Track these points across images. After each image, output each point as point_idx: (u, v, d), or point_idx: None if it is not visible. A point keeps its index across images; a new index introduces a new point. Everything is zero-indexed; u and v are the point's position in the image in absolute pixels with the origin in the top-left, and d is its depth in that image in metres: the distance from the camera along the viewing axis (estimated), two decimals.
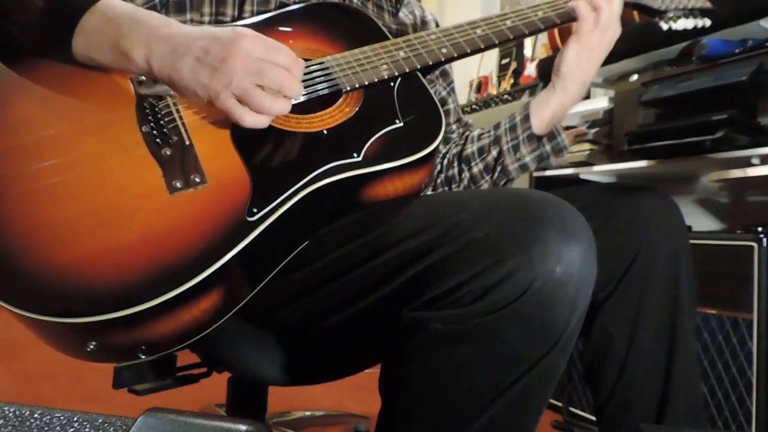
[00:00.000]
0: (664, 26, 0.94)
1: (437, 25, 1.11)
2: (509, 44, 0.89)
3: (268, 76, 0.66)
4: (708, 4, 0.95)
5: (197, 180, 0.67)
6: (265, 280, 0.69)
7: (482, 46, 0.84)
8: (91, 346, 0.61)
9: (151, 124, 0.70)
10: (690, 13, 0.95)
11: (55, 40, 0.71)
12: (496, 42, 0.85)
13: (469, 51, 0.84)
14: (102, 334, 0.61)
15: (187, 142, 0.69)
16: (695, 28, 0.95)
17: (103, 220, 0.63)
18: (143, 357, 0.66)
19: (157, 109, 0.72)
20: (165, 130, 0.70)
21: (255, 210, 0.66)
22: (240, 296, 0.68)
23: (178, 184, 0.66)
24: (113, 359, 0.73)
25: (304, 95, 0.77)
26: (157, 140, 0.69)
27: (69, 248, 0.60)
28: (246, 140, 0.71)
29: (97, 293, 0.59)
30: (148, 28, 0.68)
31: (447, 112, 1.09)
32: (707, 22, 0.95)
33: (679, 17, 0.94)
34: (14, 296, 0.58)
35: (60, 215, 0.62)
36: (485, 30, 0.85)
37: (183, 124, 0.71)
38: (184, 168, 0.67)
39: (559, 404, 1.67)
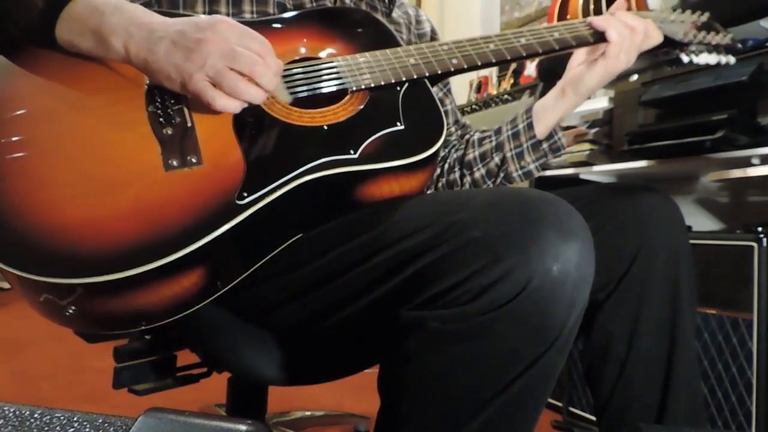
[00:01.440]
0: (685, 59, 0.93)
1: (431, 25, 1.12)
2: (520, 61, 0.89)
3: (241, 59, 0.67)
4: (734, 42, 0.94)
5: (193, 161, 0.68)
6: (256, 266, 0.70)
7: (493, 61, 0.85)
8: (70, 311, 0.63)
9: (157, 104, 0.72)
10: (714, 49, 0.94)
11: (40, 25, 0.71)
12: (508, 58, 0.86)
13: (479, 64, 0.84)
14: (82, 298, 0.62)
15: (189, 124, 0.71)
16: (718, 64, 0.93)
17: (97, 189, 0.65)
18: (143, 326, 0.68)
19: (165, 91, 0.73)
20: (169, 111, 0.71)
21: (245, 194, 0.67)
22: (228, 277, 0.69)
23: (174, 163, 0.67)
24: (92, 328, 0.75)
25: (309, 91, 0.77)
26: (161, 119, 0.70)
27: (61, 211, 0.62)
28: (246, 128, 0.72)
29: (82, 257, 0.60)
30: (129, 17, 0.69)
31: (445, 113, 1.10)
32: (731, 60, 0.95)
33: (701, 51, 0.93)
34: (5, 253, 0.60)
35: (56, 180, 0.65)
36: (498, 45, 0.86)
37: (188, 106, 0.72)
38: (182, 148, 0.69)
39: (559, 404, 1.67)
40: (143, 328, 0.68)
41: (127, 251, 0.61)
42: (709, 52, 0.94)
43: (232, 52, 0.67)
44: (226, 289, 0.69)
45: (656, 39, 0.91)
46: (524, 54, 0.86)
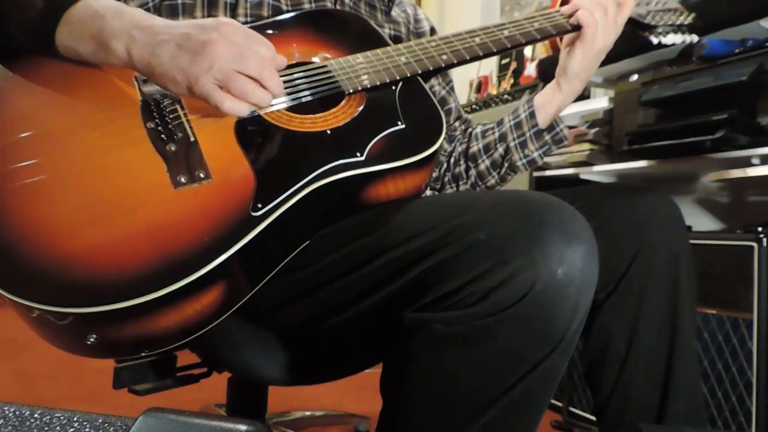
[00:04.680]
0: (654, 40, 0.98)
1: (430, 24, 1.12)
2: (506, 52, 0.92)
3: (249, 62, 0.66)
4: (696, 22, 1.00)
5: (202, 175, 0.67)
6: (269, 276, 0.70)
7: (480, 54, 0.86)
8: (92, 339, 0.61)
9: (156, 121, 0.70)
10: (678, 29, 0.99)
11: (41, 32, 0.70)
12: (494, 50, 0.87)
13: (468, 58, 0.86)
14: (103, 326, 0.60)
15: (192, 139, 0.70)
16: (683, 42, 1.00)
17: (107, 213, 0.63)
18: (144, 353, 0.66)
19: (162, 106, 0.72)
20: (170, 126, 0.70)
21: (260, 205, 0.66)
22: (243, 291, 0.68)
23: (183, 179, 0.66)
24: (114, 354, 0.73)
25: (308, 96, 0.77)
26: (162, 136, 0.69)
27: (72, 239, 0.61)
28: (250, 138, 0.71)
29: (101, 284, 0.59)
30: (131, 20, 0.68)
31: (448, 111, 1.10)
32: (694, 38, 1.01)
33: (668, 32, 0.98)
34: (16, 286, 0.57)
35: (63, 207, 0.63)
36: (483, 39, 0.87)
37: (188, 120, 0.71)
38: (188, 164, 0.67)
39: (559, 404, 1.67)
40: (146, 353, 0.67)
41: (146, 274, 0.59)
42: (675, 32, 0.99)
43: (240, 54, 0.66)
44: (239, 305, 0.68)
45: (629, 6, 0.92)
46: (509, 45, 0.88)
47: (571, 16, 0.90)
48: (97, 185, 0.65)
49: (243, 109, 0.69)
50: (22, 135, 0.67)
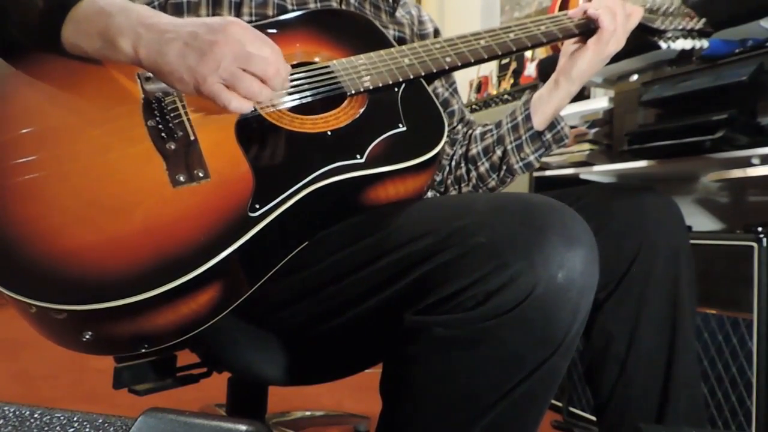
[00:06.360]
0: (663, 45, 0.97)
1: (434, 25, 1.12)
2: (511, 55, 0.91)
3: (255, 61, 0.66)
4: (707, 27, 0.99)
5: (200, 175, 0.67)
6: (265, 277, 0.70)
7: (485, 57, 0.86)
8: (87, 336, 0.61)
9: (157, 119, 0.70)
10: (689, 34, 0.99)
11: (46, 29, 0.70)
12: (500, 53, 0.87)
13: (472, 60, 0.85)
14: (99, 323, 0.61)
15: (192, 138, 0.70)
16: (693, 48, 0.99)
17: (105, 210, 0.63)
18: (141, 351, 0.66)
19: (163, 104, 0.72)
20: (170, 125, 0.70)
21: (257, 206, 0.66)
22: (240, 292, 0.68)
23: (182, 178, 0.66)
24: (111, 351, 0.73)
25: (309, 97, 0.77)
26: (162, 134, 0.69)
27: (71, 236, 0.61)
28: (250, 138, 0.71)
29: (98, 282, 0.59)
30: (137, 17, 0.68)
31: (451, 113, 1.10)
32: (705, 44, 1.00)
33: (678, 37, 0.98)
34: (14, 281, 0.58)
35: (62, 204, 0.63)
36: (488, 41, 0.87)
37: (188, 119, 0.71)
38: (188, 162, 0.68)
39: (559, 404, 1.67)
40: (144, 351, 0.67)
41: (142, 272, 0.59)
42: (685, 37, 0.98)
43: (246, 54, 0.66)
44: (236, 304, 0.68)
45: (637, 15, 0.92)
46: (514, 48, 0.87)
47: (582, 20, 0.91)
48: (96, 183, 0.65)
49: (249, 108, 0.69)
50: (23, 131, 0.67)
